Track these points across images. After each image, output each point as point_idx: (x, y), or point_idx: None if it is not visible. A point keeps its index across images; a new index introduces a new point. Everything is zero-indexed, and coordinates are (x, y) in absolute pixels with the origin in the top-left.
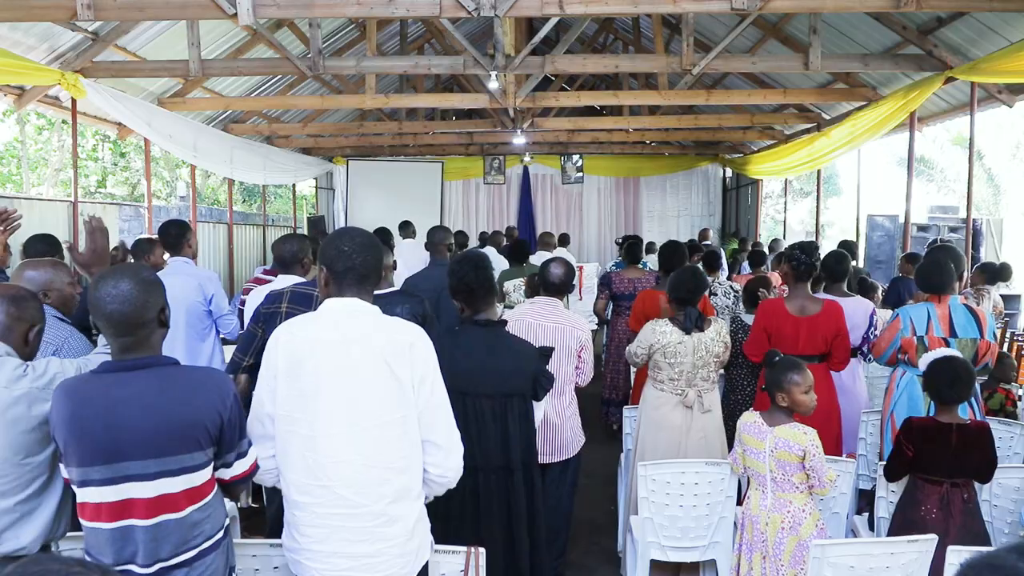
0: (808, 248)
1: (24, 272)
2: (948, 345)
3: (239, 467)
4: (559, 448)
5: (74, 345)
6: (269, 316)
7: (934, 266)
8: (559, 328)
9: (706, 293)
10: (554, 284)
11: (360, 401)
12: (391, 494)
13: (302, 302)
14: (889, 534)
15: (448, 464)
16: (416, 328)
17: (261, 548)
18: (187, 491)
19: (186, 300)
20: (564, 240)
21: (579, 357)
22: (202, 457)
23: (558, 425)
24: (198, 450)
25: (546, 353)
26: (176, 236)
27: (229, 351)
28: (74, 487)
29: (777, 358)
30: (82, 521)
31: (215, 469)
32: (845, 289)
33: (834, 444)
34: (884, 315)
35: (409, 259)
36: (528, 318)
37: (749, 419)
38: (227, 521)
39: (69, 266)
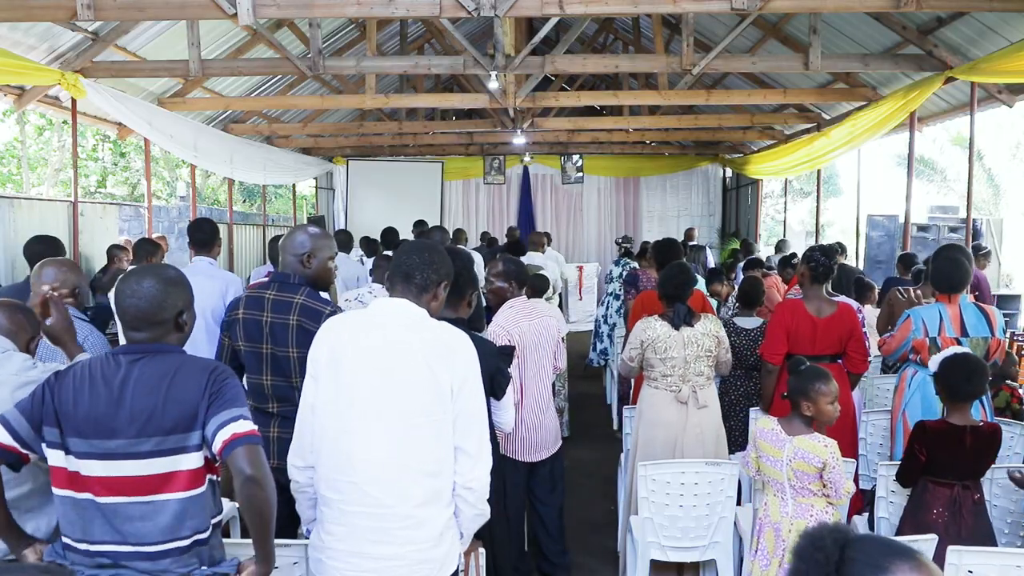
0: (828, 251)
1: (60, 270)
2: (960, 344)
3: (224, 433)
4: (548, 442)
5: (92, 342)
6: (231, 324)
7: (953, 264)
8: (543, 322)
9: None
10: (523, 281)
11: (395, 400)
12: (420, 497)
13: (254, 306)
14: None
15: (474, 474)
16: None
17: None
18: (176, 473)
19: (209, 302)
20: (547, 240)
21: (559, 340)
22: (190, 439)
23: (550, 418)
24: (188, 430)
25: (507, 352)
26: (209, 234)
27: None
28: (66, 459)
29: (803, 366)
30: (72, 495)
31: (207, 444)
32: (829, 288)
33: (851, 444)
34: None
35: None
36: (518, 320)
37: (767, 426)
38: (215, 520)
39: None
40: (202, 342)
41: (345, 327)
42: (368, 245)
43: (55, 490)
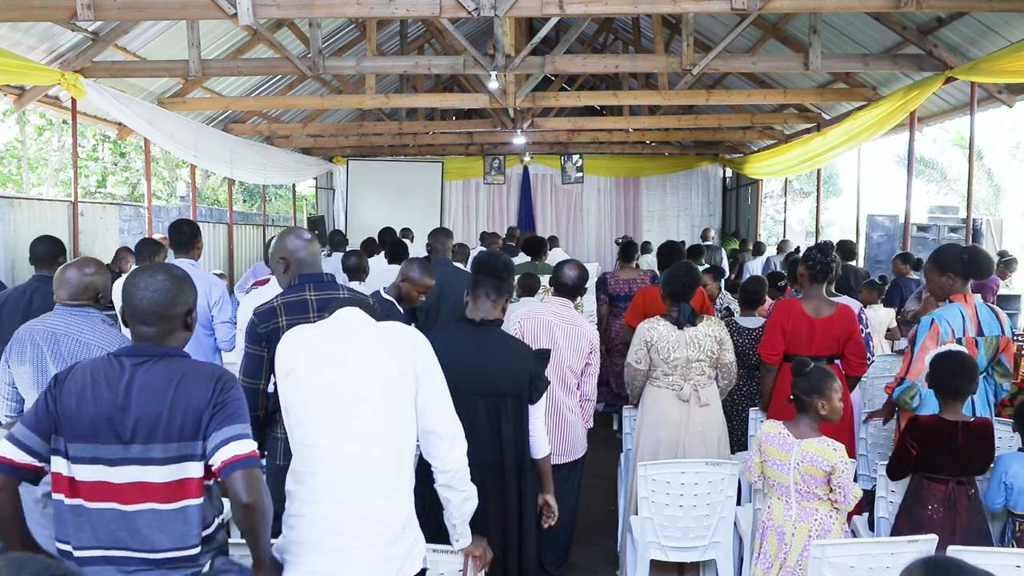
0: (824, 248)
1: (84, 274)
2: (977, 345)
3: (224, 453)
4: (572, 448)
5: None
6: (271, 334)
7: (987, 258)
8: (574, 328)
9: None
10: (567, 286)
11: (355, 391)
12: (379, 488)
13: (298, 310)
14: (894, 534)
15: (451, 456)
16: (408, 326)
17: None
18: (182, 481)
19: None
20: (554, 242)
21: (588, 360)
22: (196, 447)
23: (572, 423)
24: (193, 439)
25: (543, 356)
26: (189, 236)
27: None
28: (66, 465)
29: (810, 367)
30: (64, 500)
31: (206, 458)
32: (831, 290)
33: (850, 445)
34: (889, 313)
35: None
36: (545, 316)
37: (773, 430)
38: (220, 520)
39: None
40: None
41: (306, 330)
42: (368, 246)
43: (55, 495)
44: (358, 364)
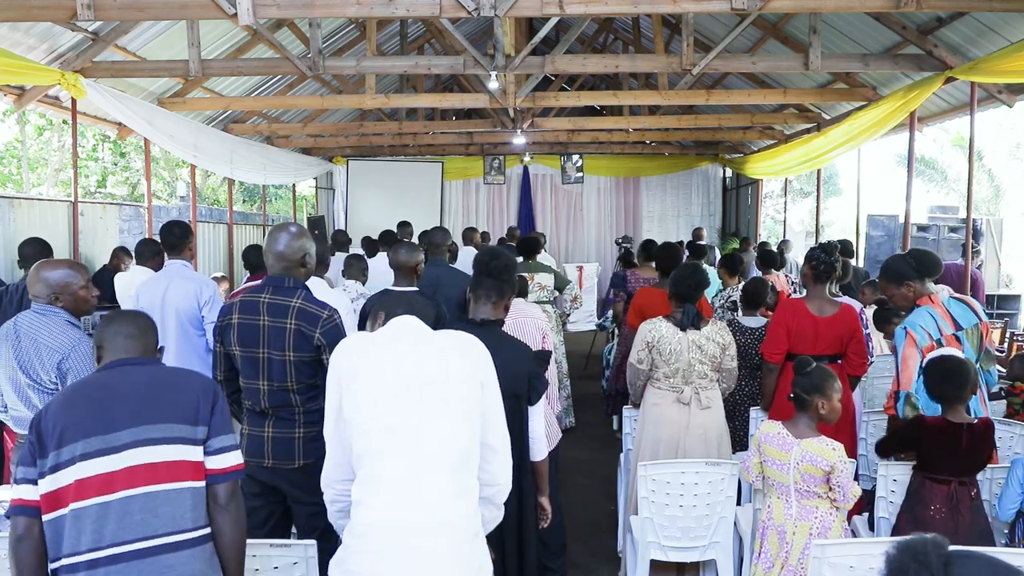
0: (828, 248)
1: (40, 272)
2: (958, 340)
3: (222, 461)
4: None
5: (82, 352)
6: (224, 329)
7: (932, 254)
8: (520, 321)
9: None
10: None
11: (421, 396)
12: (448, 494)
13: (250, 310)
14: (895, 534)
15: (501, 471)
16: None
17: (261, 548)
18: (176, 463)
19: (184, 304)
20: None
21: (543, 344)
22: (190, 430)
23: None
24: (186, 423)
25: (543, 358)
26: (180, 237)
27: None
28: (50, 475)
29: (812, 366)
30: (56, 514)
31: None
32: (834, 290)
33: (850, 444)
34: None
35: None
36: None
37: (772, 430)
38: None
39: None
40: (177, 343)
41: (370, 336)
42: (369, 245)
43: (47, 516)
44: (427, 369)
